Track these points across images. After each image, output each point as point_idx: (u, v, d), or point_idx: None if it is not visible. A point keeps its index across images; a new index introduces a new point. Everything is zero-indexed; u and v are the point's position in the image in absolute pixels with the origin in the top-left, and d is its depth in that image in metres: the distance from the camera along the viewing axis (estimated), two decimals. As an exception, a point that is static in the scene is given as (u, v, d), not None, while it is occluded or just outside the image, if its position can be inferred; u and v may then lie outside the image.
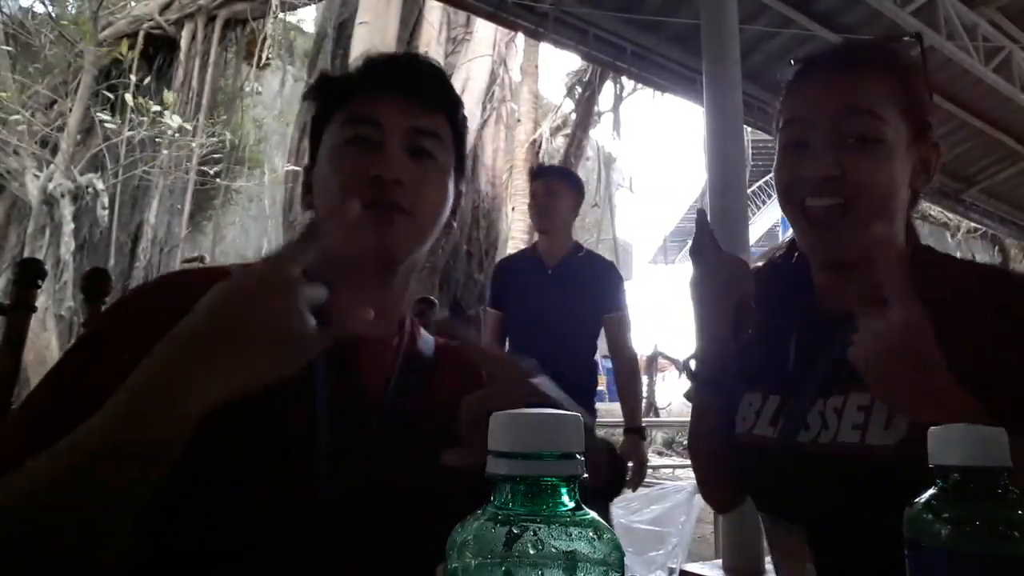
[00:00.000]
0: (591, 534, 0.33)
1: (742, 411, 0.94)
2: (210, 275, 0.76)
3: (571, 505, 0.34)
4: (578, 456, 0.35)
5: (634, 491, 2.93)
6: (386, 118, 0.85)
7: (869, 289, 0.85)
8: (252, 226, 12.50)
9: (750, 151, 10.92)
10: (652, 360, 12.75)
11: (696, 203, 15.44)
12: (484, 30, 8.31)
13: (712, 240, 0.96)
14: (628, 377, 2.81)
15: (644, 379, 12.85)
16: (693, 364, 0.97)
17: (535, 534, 0.32)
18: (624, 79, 9.25)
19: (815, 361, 0.88)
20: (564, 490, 0.34)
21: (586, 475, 0.44)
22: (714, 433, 0.98)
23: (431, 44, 8.40)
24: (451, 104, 0.92)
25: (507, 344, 2.75)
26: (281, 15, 9.17)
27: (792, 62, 0.93)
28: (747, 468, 0.94)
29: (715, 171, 3.12)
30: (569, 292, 2.69)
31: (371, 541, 0.76)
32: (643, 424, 2.82)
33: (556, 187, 2.76)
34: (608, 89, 9.93)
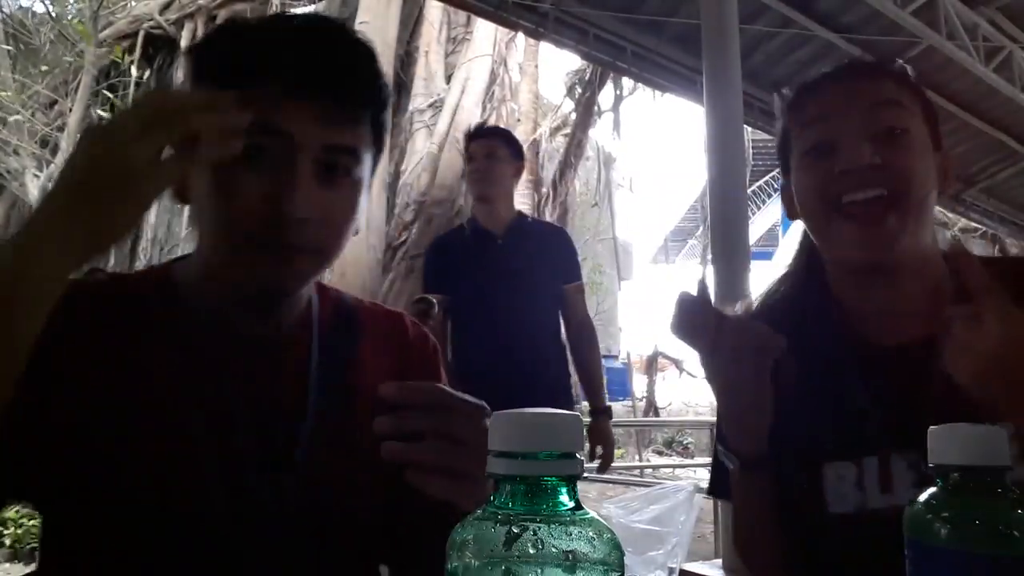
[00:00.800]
0: (591, 534, 0.33)
1: (833, 488, 0.82)
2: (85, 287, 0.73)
3: (571, 505, 0.34)
4: (578, 455, 0.35)
5: (602, 473, 2.71)
6: (297, 130, 0.66)
7: (907, 302, 0.84)
8: (252, 226, 12.48)
9: (750, 151, 10.93)
10: (652, 360, 12.75)
11: (696, 202, 15.41)
12: (484, 30, 8.30)
13: (716, 311, 0.80)
14: (591, 352, 2.53)
15: (644, 379, 12.89)
16: (724, 451, 0.84)
17: (535, 534, 0.32)
18: (624, 79, 9.24)
19: (907, 406, 0.79)
20: (564, 490, 0.34)
21: None
22: (774, 521, 0.84)
23: (431, 44, 8.40)
24: (380, 99, 0.73)
25: (450, 332, 2.39)
26: (281, 15, 9.16)
27: (786, 91, 0.91)
28: (861, 549, 0.82)
29: (715, 171, 3.12)
30: (525, 262, 2.37)
31: (319, 533, 0.72)
32: (609, 404, 2.60)
33: (496, 149, 2.42)
34: (608, 89, 9.93)
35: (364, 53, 0.72)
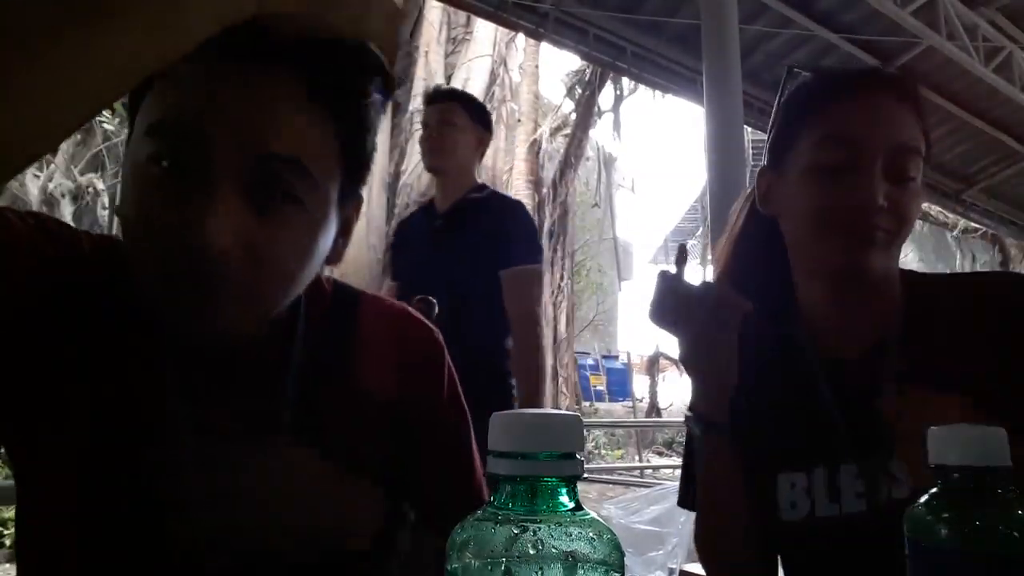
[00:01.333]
0: (591, 534, 0.33)
1: (785, 496, 0.86)
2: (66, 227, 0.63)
3: (571, 505, 0.34)
4: (578, 456, 0.35)
5: None
6: (218, 133, 0.52)
7: (865, 312, 0.87)
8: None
9: (750, 151, 10.94)
10: (654, 360, 12.76)
11: (696, 203, 15.43)
12: (484, 30, 8.32)
13: (690, 284, 0.85)
14: (524, 351, 2.02)
15: (646, 380, 12.88)
16: (692, 417, 0.87)
17: (535, 534, 0.32)
18: (624, 79, 9.26)
19: (856, 417, 0.83)
20: (564, 490, 0.34)
21: None
22: (738, 489, 0.87)
23: (431, 44, 8.42)
24: (342, 101, 0.57)
25: None
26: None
27: (795, 69, 0.91)
28: (811, 554, 0.87)
29: (715, 171, 3.12)
30: (461, 242, 2.03)
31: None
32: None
33: (453, 115, 2.09)
34: (608, 89, 9.94)
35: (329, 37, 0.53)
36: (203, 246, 0.51)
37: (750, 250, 0.96)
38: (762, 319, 0.88)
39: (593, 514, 0.34)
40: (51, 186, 8.12)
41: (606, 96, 10.11)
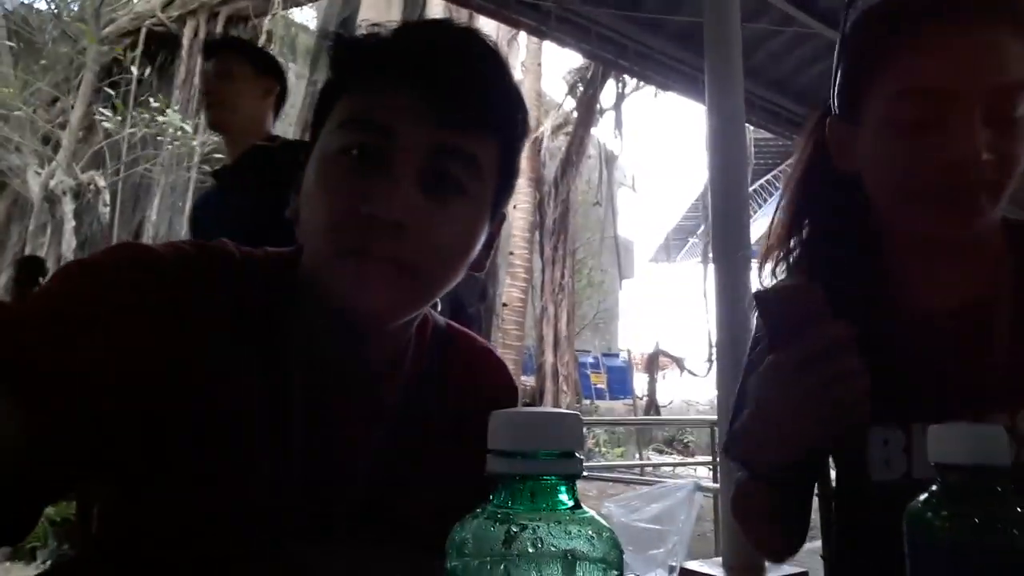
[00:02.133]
0: (590, 532, 0.33)
1: (877, 453, 0.77)
2: (151, 252, 0.63)
3: (570, 504, 0.34)
4: (577, 455, 0.35)
5: None
6: (402, 126, 0.60)
7: (966, 267, 0.77)
8: (254, 223, 12.49)
9: (752, 149, 10.94)
10: (653, 358, 12.76)
11: (698, 201, 15.42)
12: (486, 28, 8.31)
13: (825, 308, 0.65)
14: None
15: (645, 377, 12.88)
16: (738, 465, 0.77)
17: (534, 532, 0.32)
18: (626, 77, 9.25)
19: (958, 373, 0.74)
20: (563, 489, 0.34)
21: None
22: (776, 517, 0.80)
23: (433, 42, 8.41)
24: (507, 116, 0.66)
25: None
26: (283, 12, 9.17)
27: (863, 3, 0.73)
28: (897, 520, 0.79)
29: (717, 170, 3.12)
30: (244, 194, 1.81)
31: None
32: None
33: (231, 66, 1.93)
34: (610, 87, 9.93)
35: (495, 58, 0.64)
36: (379, 215, 0.58)
37: (817, 208, 0.85)
38: (843, 276, 0.76)
39: (592, 512, 0.34)
40: (52, 183, 8.12)
41: (608, 94, 10.11)
